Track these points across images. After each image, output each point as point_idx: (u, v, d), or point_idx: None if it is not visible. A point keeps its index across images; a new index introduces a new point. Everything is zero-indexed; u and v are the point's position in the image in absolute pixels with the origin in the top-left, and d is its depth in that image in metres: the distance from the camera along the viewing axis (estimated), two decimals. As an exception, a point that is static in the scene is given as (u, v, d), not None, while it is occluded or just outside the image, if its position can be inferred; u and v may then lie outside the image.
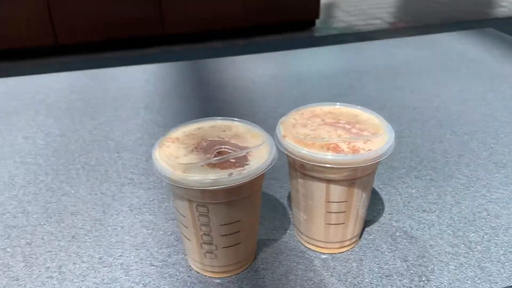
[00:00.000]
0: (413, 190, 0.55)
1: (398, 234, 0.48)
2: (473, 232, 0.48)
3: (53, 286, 0.42)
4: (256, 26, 3.14)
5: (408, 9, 3.91)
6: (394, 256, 0.45)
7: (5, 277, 0.43)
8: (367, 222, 0.49)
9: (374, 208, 0.52)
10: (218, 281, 0.43)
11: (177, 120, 0.73)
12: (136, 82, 0.87)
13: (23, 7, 2.60)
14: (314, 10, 3.18)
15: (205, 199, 0.37)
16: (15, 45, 2.68)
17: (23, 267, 0.45)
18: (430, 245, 0.46)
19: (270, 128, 0.45)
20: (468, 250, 0.45)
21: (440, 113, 0.73)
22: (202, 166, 0.37)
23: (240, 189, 0.37)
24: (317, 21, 3.37)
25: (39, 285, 0.42)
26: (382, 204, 0.52)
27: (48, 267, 0.44)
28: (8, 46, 2.68)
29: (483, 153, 0.62)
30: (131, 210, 0.53)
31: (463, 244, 0.46)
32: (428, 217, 0.50)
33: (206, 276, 0.43)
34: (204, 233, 0.40)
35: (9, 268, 0.44)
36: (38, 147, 0.66)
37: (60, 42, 2.72)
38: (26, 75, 0.91)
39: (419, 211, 0.51)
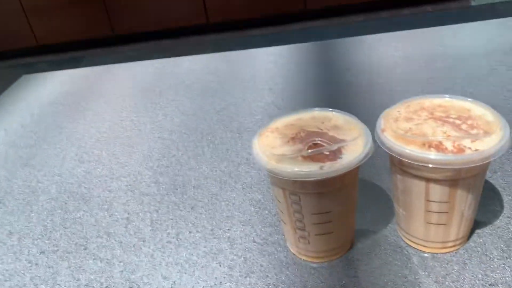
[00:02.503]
0: (543, 193, 0.49)
1: (514, 241, 0.44)
2: None
3: (170, 250, 0.49)
4: (404, -4, 2.94)
5: None
6: (504, 264, 0.41)
7: (135, 237, 0.52)
8: (479, 223, 0.46)
9: (490, 209, 0.47)
10: (313, 265, 0.45)
11: (296, 103, 0.75)
12: (264, 64, 0.91)
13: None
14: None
15: (296, 189, 0.39)
16: (174, 25, 2.99)
17: (150, 230, 0.52)
18: (552, 258, 0.41)
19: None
20: None
21: None
22: (295, 157, 0.39)
23: (330, 182, 0.38)
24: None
25: (160, 248, 0.50)
26: (501, 205, 0.48)
27: (168, 233, 0.52)
28: (168, 26, 3.00)
29: None
30: (243, 188, 0.57)
31: None
32: (556, 226, 0.45)
33: (300, 259, 0.45)
34: (297, 220, 0.42)
35: (139, 230, 0.53)
36: (174, 125, 0.74)
37: (211, 21, 2.95)
38: (180, 53, 1.02)
39: (545, 218, 0.46)
